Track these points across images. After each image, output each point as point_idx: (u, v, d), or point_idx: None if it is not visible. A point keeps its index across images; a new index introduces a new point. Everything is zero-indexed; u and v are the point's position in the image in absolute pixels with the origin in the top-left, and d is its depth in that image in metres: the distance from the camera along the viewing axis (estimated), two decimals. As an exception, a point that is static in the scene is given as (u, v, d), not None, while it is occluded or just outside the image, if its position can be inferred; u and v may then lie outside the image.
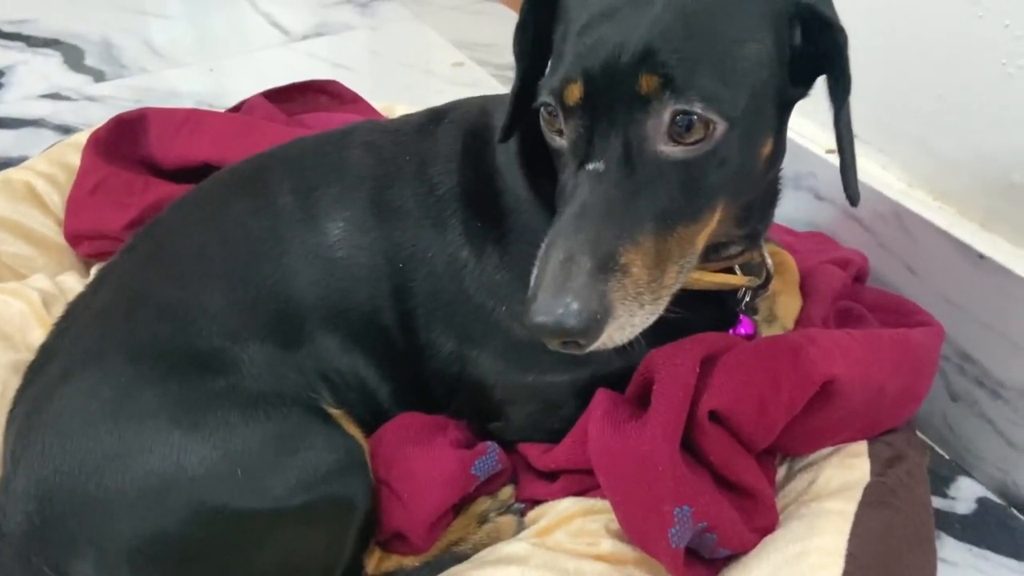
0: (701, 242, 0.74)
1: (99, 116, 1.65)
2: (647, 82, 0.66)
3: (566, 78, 0.69)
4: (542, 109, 0.73)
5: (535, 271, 0.68)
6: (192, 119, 1.18)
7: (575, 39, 0.70)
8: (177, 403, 0.79)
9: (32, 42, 2.00)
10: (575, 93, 0.69)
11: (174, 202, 0.96)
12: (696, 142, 0.68)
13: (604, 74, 0.67)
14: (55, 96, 1.80)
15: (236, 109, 1.29)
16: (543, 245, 0.69)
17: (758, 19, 0.70)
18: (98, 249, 1.12)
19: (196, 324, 0.84)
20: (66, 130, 1.68)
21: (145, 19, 2.12)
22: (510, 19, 2.18)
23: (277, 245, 0.88)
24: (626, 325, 0.68)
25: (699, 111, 0.67)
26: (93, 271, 1.12)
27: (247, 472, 0.77)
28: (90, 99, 1.80)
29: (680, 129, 0.68)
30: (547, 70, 0.75)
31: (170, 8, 2.17)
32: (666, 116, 0.67)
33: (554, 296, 0.64)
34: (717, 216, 0.74)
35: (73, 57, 1.94)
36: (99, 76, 1.88)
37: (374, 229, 0.89)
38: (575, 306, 0.64)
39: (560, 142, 0.73)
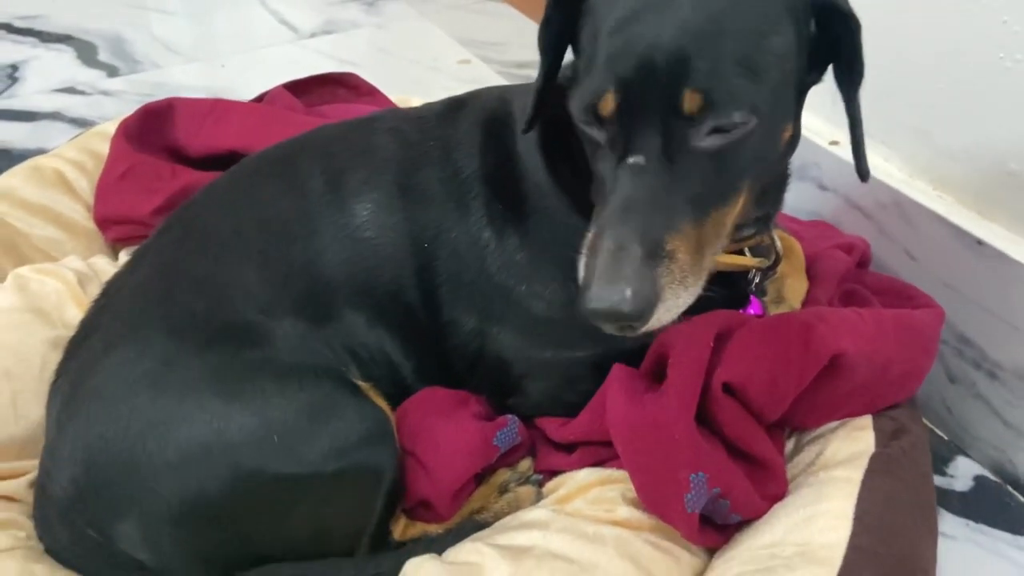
0: (731, 224, 0.78)
1: (113, 110, 1.69)
2: (689, 100, 0.69)
3: (600, 89, 0.71)
4: (576, 109, 0.75)
5: (583, 260, 0.72)
6: (218, 108, 1.22)
7: (606, 42, 0.72)
8: (216, 373, 0.82)
9: (45, 37, 2.03)
10: (610, 104, 0.71)
11: (206, 186, 1.00)
12: (730, 136, 0.72)
13: (639, 82, 0.70)
14: (70, 90, 1.83)
15: (259, 100, 1.33)
16: (589, 235, 0.73)
17: (780, 12, 0.74)
18: (126, 234, 1.16)
19: (231, 300, 0.88)
20: (82, 123, 1.71)
21: (155, 16, 2.16)
22: (515, 17, 2.23)
23: (308, 225, 0.92)
24: (673, 307, 0.72)
25: (737, 120, 0.71)
26: (122, 255, 1.15)
27: (283, 439, 0.80)
28: (104, 93, 1.83)
29: (718, 131, 0.72)
30: (578, 70, 0.77)
31: (180, 5, 2.21)
32: (705, 128, 0.71)
33: (609, 284, 0.68)
34: (743, 198, 0.78)
35: (86, 52, 1.97)
36: (112, 71, 1.91)
37: (400, 211, 0.92)
38: (629, 292, 0.68)
39: (598, 135, 0.75)
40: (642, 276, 0.68)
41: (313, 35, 2.08)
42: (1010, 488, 1.07)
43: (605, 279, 0.69)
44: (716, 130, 0.71)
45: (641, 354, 0.91)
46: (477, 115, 0.96)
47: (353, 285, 0.92)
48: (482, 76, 1.92)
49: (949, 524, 1.03)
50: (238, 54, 1.99)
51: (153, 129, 1.20)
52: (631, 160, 0.72)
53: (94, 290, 0.95)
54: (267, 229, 0.92)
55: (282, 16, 2.15)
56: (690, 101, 0.70)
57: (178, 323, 0.85)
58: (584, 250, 0.73)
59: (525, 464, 0.96)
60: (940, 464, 1.10)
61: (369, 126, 0.99)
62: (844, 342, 0.84)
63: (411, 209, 0.92)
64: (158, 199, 1.13)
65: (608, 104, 0.71)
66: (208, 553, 0.81)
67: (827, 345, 0.83)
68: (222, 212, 0.95)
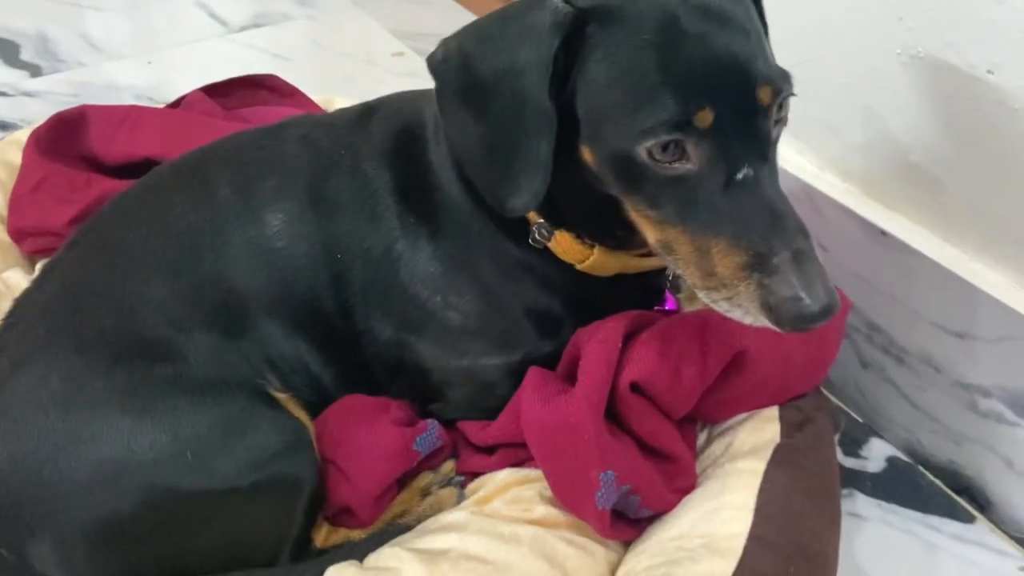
0: None
1: (37, 111, 1.66)
2: (765, 94, 0.71)
3: (693, 106, 0.69)
4: (646, 150, 0.71)
5: (752, 284, 0.70)
6: (132, 115, 1.20)
7: (662, 60, 0.70)
8: (125, 391, 0.82)
9: (-36, 38, 1.98)
10: (708, 118, 0.69)
11: (115, 197, 0.99)
12: (782, 122, 0.76)
13: (725, 89, 0.70)
14: (-9, 93, 1.79)
15: (175, 105, 1.31)
16: (752, 252, 0.70)
17: (750, 5, 0.78)
18: (42, 246, 1.14)
19: (140, 315, 0.87)
20: (3, 126, 1.68)
21: (81, 12, 2.10)
22: (451, 8, 2.21)
23: (218, 236, 0.91)
24: None
25: (788, 105, 0.75)
26: (38, 267, 1.14)
27: (196, 455, 0.81)
28: (27, 94, 1.79)
29: (779, 121, 0.75)
30: (620, 109, 0.73)
31: (107, 1, 2.16)
32: (774, 120, 0.73)
33: (814, 287, 0.68)
34: None
35: (8, 52, 1.92)
36: (35, 71, 1.87)
37: (312, 221, 0.92)
38: (829, 287, 0.69)
39: (674, 168, 0.72)
40: (823, 271, 0.70)
41: (243, 28, 2.05)
42: (921, 468, 1.11)
43: (809, 284, 0.68)
44: (779, 120, 0.74)
45: (556, 359, 0.92)
46: (388, 123, 0.95)
47: (267, 296, 0.92)
48: (417, 69, 1.90)
49: (862, 505, 1.07)
50: (165, 49, 1.96)
51: (66, 138, 1.19)
52: (740, 176, 0.71)
53: (6, 306, 0.94)
54: (176, 241, 0.91)
55: (211, 9, 2.12)
56: (766, 95, 0.71)
57: (86, 340, 0.85)
58: (743, 272, 0.70)
59: (447, 467, 0.97)
60: (854, 446, 1.14)
61: (279, 133, 0.99)
62: (746, 338, 0.86)
63: (323, 219, 0.92)
64: (73, 209, 1.12)
65: (707, 118, 0.69)
66: (124, 572, 0.81)
67: (729, 342, 0.86)
68: (130, 225, 0.94)
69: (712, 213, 0.72)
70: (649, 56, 0.71)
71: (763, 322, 0.71)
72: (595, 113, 0.75)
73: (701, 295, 0.75)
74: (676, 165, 0.71)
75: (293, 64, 1.92)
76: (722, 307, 0.73)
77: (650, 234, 0.78)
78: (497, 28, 0.78)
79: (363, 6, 2.17)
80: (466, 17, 2.10)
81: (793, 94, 0.74)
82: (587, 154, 0.78)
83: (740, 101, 0.71)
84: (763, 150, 0.73)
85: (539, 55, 0.73)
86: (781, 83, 0.72)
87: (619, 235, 0.86)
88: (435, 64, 0.81)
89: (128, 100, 1.73)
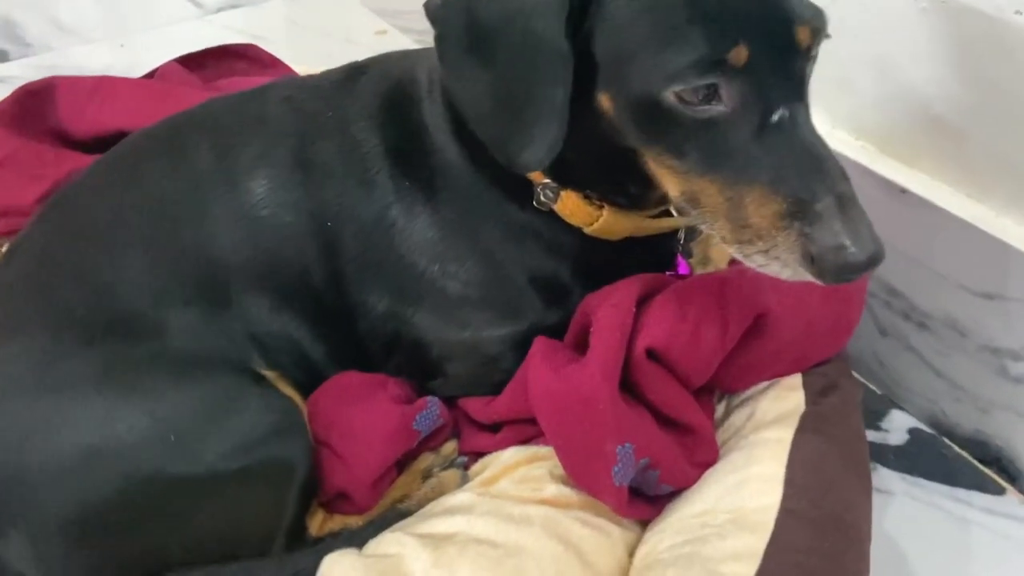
0: None
1: (4, 97, 1.58)
2: (804, 34, 0.67)
3: (726, 42, 0.64)
4: (674, 93, 0.66)
5: (810, 225, 0.64)
6: (104, 86, 1.14)
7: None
8: (101, 371, 0.77)
9: (-72, 25, 1.90)
10: (742, 54, 0.65)
11: (85, 169, 0.92)
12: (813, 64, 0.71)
13: (763, 25, 0.65)
14: (-43, 79, 1.71)
15: (149, 77, 1.25)
16: (791, 199, 0.65)
17: None
18: (11, 226, 1.07)
19: (116, 290, 0.81)
20: (-30, 112, 1.60)
21: (50, -6, 2.03)
22: (433, -15, 2.16)
23: (197, 206, 0.85)
24: None
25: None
26: (4, 248, 1.07)
27: (179, 438, 0.75)
28: (-6, 79, 1.72)
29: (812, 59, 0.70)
30: (645, 50, 0.67)
31: (78, -18, 2.08)
32: (810, 60, 0.69)
33: (860, 233, 0.64)
34: None
35: (-27, 38, 1.85)
36: (2, 56, 1.79)
37: (299, 187, 0.86)
38: (875, 233, 0.65)
39: (705, 110, 0.67)
40: (866, 217, 0.65)
41: (220, 9, 1.98)
42: (945, 439, 1.06)
43: (855, 231, 0.63)
44: (812, 58, 0.70)
45: (563, 329, 0.87)
46: (378, 83, 0.90)
47: (252, 268, 0.86)
48: (399, 47, 1.83)
49: (885, 479, 1.02)
50: (139, 32, 1.89)
51: (33, 111, 1.12)
52: (776, 117, 0.66)
53: (-29, 288, 0.87)
54: (153, 211, 0.85)
55: (186, -9, 2.05)
56: (805, 35, 0.67)
57: (59, 318, 0.79)
58: (782, 222, 0.65)
59: (449, 447, 0.92)
60: (874, 419, 1.09)
61: (261, 96, 0.92)
62: (768, 300, 0.81)
63: (311, 185, 0.86)
64: (43, 186, 1.05)
65: (741, 55, 0.64)
66: (105, 566, 0.75)
67: (750, 304, 0.80)
68: (102, 196, 0.87)
69: (745, 159, 0.67)
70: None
71: (803, 275, 0.66)
72: (616, 55, 0.69)
73: (732, 250, 0.69)
74: (707, 107, 0.66)
75: (272, 45, 1.83)
76: (756, 261, 0.68)
77: (673, 187, 0.72)
78: None
79: (343, -15, 2.10)
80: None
81: (829, 35, 0.69)
82: (605, 101, 0.72)
83: (776, 37, 0.66)
84: (799, 89, 0.68)
85: None
86: (819, 22, 0.68)
87: (633, 192, 0.81)
88: (434, 9, 0.75)
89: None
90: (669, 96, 0.66)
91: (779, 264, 0.67)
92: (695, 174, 0.69)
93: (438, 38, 0.74)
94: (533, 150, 0.71)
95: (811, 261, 0.64)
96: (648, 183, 0.77)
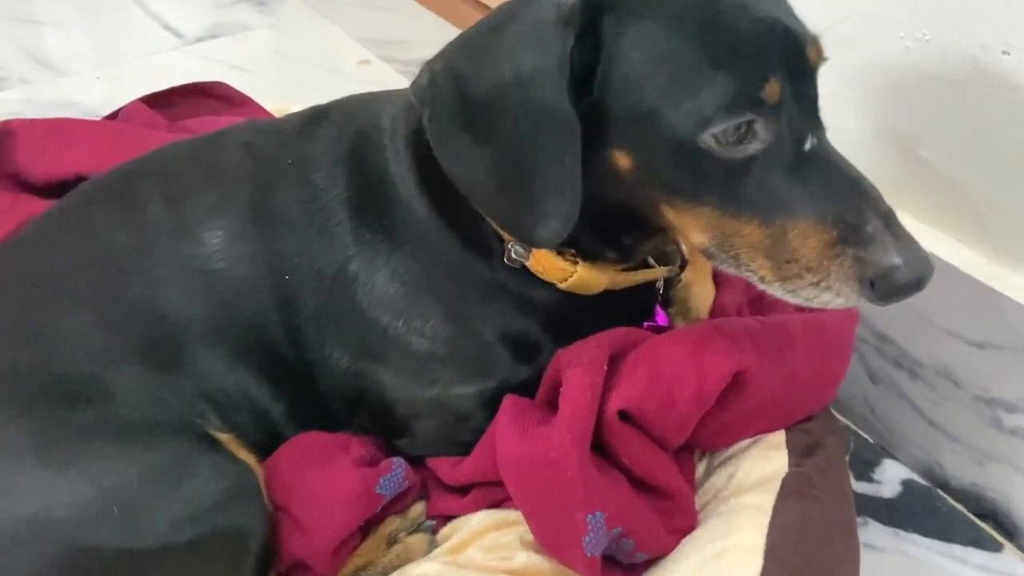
0: None
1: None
2: (813, 53, 0.67)
3: (757, 80, 0.64)
4: (712, 135, 0.64)
5: (864, 249, 0.63)
6: (63, 129, 1.10)
7: (711, 42, 0.64)
8: (42, 439, 0.73)
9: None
10: (775, 89, 0.64)
11: (33, 219, 0.88)
12: None
13: (782, 56, 0.65)
14: (-72, 112, 1.68)
15: (113, 117, 1.21)
16: (841, 225, 0.64)
17: None
18: (-35, 274, 1.03)
19: (60, 350, 0.77)
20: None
21: (26, 26, 1.99)
22: (417, 14, 2.12)
23: (147, 258, 0.81)
24: None
25: None
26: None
27: (126, 509, 0.71)
28: (-34, 115, 1.68)
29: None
30: (670, 98, 0.65)
31: (53, 14, 2.05)
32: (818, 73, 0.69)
33: (909, 251, 0.64)
34: None
35: (-54, 71, 1.82)
36: (-23, 89, 1.76)
37: (256, 238, 0.82)
38: (922, 247, 0.65)
39: (739, 149, 0.65)
40: (910, 232, 0.65)
41: (200, 40, 1.95)
42: (940, 491, 1.02)
43: (908, 247, 0.64)
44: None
45: (536, 383, 0.83)
46: (341, 129, 0.86)
47: (206, 323, 0.82)
48: (384, 77, 1.82)
49: (877, 535, 0.98)
50: (117, 64, 1.86)
51: (-11, 156, 1.08)
52: (807, 146, 0.66)
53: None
54: (101, 265, 0.81)
55: (165, 21, 2.01)
56: (814, 53, 0.67)
57: None
58: (834, 250, 0.64)
59: (416, 509, 0.87)
60: (865, 469, 1.05)
61: (218, 142, 0.88)
62: (747, 356, 0.77)
63: (268, 236, 0.82)
64: (-2, 234, 1.01)
65: (775, 91, 0.64)
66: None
67: (727, 361, 0.76)
68: (48, 249, 0.84)
69: (783, 193, 0.66)
70: (689, 35, 0.64)
71: (856, 301, 0.65)
72: (636, 110, 0.66)
73: (774, 288, 0.68)
74: (744, 146, 0.65)
75: (254, 75, 1.82)
76: (805, 295, 0.66)
77: (698, 234, 0.70)
78: (491, 38, 0.69)
79: (326, 13, 2.07)
80: (434, 22, 2.01)
81: (827, 57, 0.69)
82: (621, 159, 0.69)
83: (794, 65, 0.66)
84: (818, 115, 0.68)
85: (550, 57, 0.65)
86: (818, 41, 0.68)
87: (626, 244, 0.80)
88: (421, 91, 0.72)
89: (77, 117, 1.62)
90: (706, 139, 0.64)
91: (831, 294, 0.65)
92: (729, 216, 0.67)
93: (429, 120, 0.71)
94: (548, 224, 0.68)
95: (869, 285, 0.64)
96: (647, 234, 0.76)
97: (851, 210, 0.64)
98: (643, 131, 0.67)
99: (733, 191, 0.66)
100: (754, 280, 0.69)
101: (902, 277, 0.63)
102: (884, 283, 0.63)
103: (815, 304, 0.66)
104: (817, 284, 0.65)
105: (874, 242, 0.63)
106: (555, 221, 0.68)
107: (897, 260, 0.63)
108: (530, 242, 0.73)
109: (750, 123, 0.64)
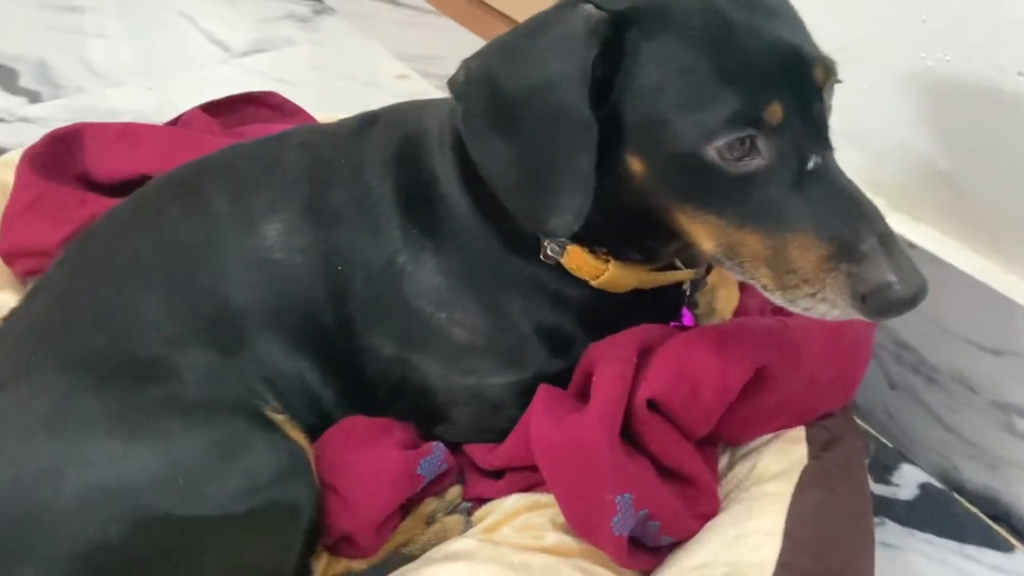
0: None
1: (34, 137, 1.61)
2: (820, 73, 0.70)
3: (761, 101, 0.67)
4: (715, 149, 0.68)
5: (857, 265, 0.66)
6: (129, 133, 1.17)
7: (722, 61, 0.68)
8: (115, 413, 0.78)
9: (-38, 65, 1.96)
10: (777, 112, 0.68)
11: (106, 212, 0.95)
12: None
13: (788, 77, 0.68)
14: (-11, 118, 1.77)
15: (173, 123, 1.28)
16: (837, 241, 0.67)
17: None
18: (34, 267, 1.10)
19: (133, 332, 0.83)
20: (1, 152, 1.65)
21: (82, 39, 2.09)
22: (454, 31, 2.20)
23: (213, 249, 0.87)
24: None
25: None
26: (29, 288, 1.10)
27: (189, 480, 0.76)
28: (25, 120, 1.77)
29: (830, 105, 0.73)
30: (680, 111, 0.70)
31: (107, 27, 2.14)
32: (827, 93, 0.72)
33: (904, 269, 0.66)
34: None
35: (6, 78, 1.90)
36: (34, 97, 1.84)
37: (311, 232, 0.88)
38: (917, 268, 0.67)
39: (742, 166, 0.69)
40: (907, 253, 0.68)
41: (245, 54, 2.03)
42: (956, 495, 1.05)
43: (901, 267, 0.66)
44: (829, 101, 0.73)
45: (568, 375, 0.88)
46: (391, 132, 0.92)
47: (265, 310, 0.87)
48: (421, 91, 1.88)
49: (894, 534, 1.01)
50: (168, 75, 1.94)
51: (61, 156, 1.15)
52: (811, 165, 0.69)
53: (-4, 327, 0.89)
54: (170, 255, 0.87)
55: (213, 35, 2.10)
56: (821, 73, 0.70)
57: (76, 359, 0.81)
58: (829, 264, 0.67)
59: (453, 492, 0.92)
60: (884, 472, 1.09)
61: (278, 142, 0.95)
62: (768, 354, 0.81)
63: (322, 230, 0.88)
64: (67, 229, 1.07)
65: (777, 113, 0.68)
66: (112, 604, 0.76)
67: (750, 358, 0.81)
68: (122, 239, 0.90)
69: (785, 208, 0.69)
70: (703, 53, 0.69)
71: (851, 314, 0.68)
72: (649, 119, 0.71)
73: (775, 296, 0.72)
74: (746, 162, 0.69)
75: (296, 88, 1.89)
76: (802, 305, 0.70)
77: (707, 241, 0.74)
78: (523, 42, 0.75)
79: (366, 30, 2.15)
80: (470, 38, 2.08)
81: (839, 80, 0.72)
82: (636, 164, 0.74)
83: (801, 88, 0.69)
84: (825, 136, 0.71)
85: (575, 65, 0.70)
86: (830, 62, 0.71)
87: (649, 246, 0.83)
88: (457, 87, 0.78)
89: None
90: (710, 152, 0.68)
91: (827, 305, 0.68)
92: (733, 226, 0.71)
93: (462, 115, 0.77)
94: (561, 217, 0.74)
95: (861, 300, 0.66)
96: (667, 238, 0.79)
97: (848, 228, 0.67)
98: (655, 139, 0.72)
99: (737, 203, 0.70)
100: (758, 287, 0.73)
101: (893, 295, 0.65)
102: (876, 299, 0.66)
103: (813, 314, 0.70)
104: (814, 295, 0.69)
105: (868, 259, 0.66)
106: (568, 214, 0.73)
107: (889, 278, 0.65)
108: (543, 232, 0.77)
109: (752, 140, 0.68)
